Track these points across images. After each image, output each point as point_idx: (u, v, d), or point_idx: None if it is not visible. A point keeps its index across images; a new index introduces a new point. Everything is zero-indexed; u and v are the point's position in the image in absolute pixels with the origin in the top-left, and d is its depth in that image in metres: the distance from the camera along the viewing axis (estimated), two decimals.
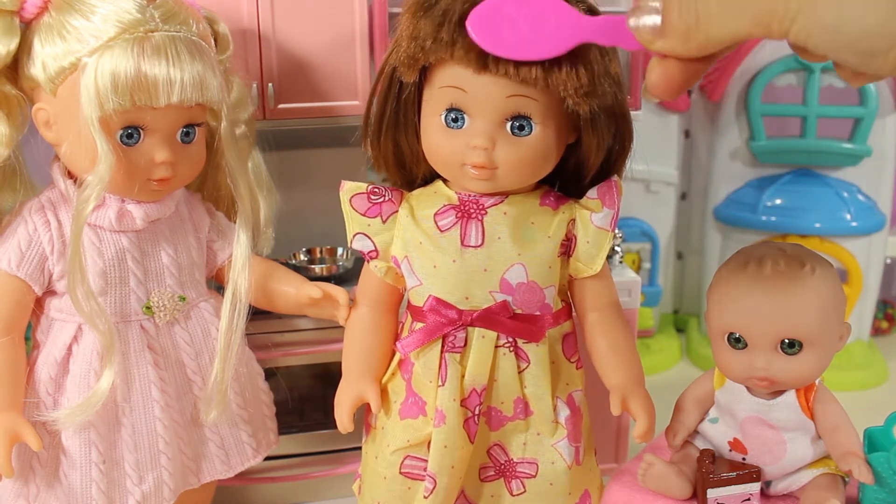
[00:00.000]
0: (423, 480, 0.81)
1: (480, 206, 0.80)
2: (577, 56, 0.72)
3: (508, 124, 0.75)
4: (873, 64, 0.44)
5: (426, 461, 0.80)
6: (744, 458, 0.78)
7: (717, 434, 0.80)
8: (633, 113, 0.83)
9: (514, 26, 0.54)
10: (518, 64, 0.70)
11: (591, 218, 0.80)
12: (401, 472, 0.82)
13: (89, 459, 0.82)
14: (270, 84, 1.00)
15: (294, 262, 1.12)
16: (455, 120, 0.76)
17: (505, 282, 0.78)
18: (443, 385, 0.79)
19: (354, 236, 0.83)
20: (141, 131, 0.79)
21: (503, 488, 0.83)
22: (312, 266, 1.10)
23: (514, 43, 0.54)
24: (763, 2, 0.44)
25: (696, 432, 0.82)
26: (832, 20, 0.43)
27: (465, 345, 0.79)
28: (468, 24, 0.54)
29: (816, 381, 0.76)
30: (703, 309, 1.16)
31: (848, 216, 1.42)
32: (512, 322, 0.79)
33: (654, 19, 0.49)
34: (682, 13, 0.48)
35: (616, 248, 1.13)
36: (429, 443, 0.80)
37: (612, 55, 0.76)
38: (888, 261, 1.53)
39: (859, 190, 1.44)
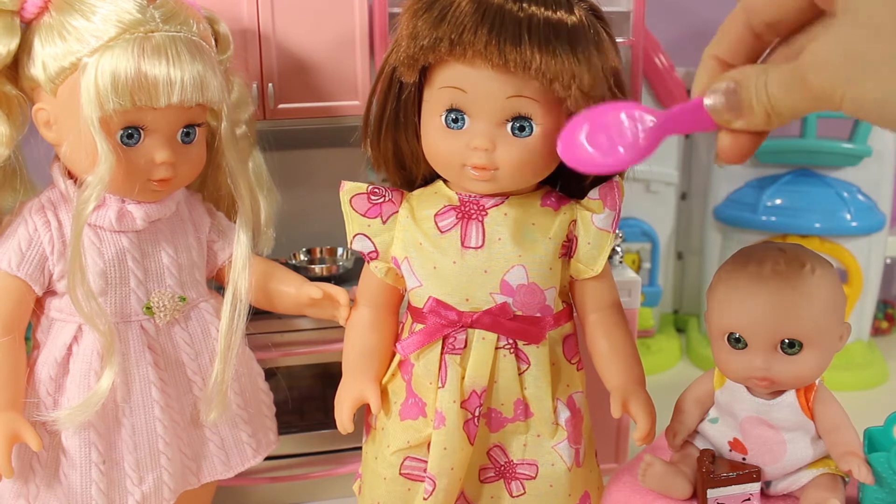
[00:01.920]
0: (422, 481, 0.81)
1: (481, 207, 0.80)
2: (578, 56, 0.72)
3: (509, 125, 0.75)
4: None
5: (426, 462, 0.80)
6: (744, 458, 0.78)
7: (717, 434, 0.80)
8: None
9: (601, 139, 0.56)
10: (514, 53, 0.70)
11: (593, 219, 0.80)
12: (401, 473, 0.82)
13: (89, 459, 0.82)
14: (270, 84, 1.00)
15: (294, 262, 1.12)
16: (455, 120, 0.76)
17: (505, 283, 0.78)
18: (443, 386, 0.79)
19: (354, 237, 0.83)
20: (141, 131, 0.79)
21: (503, 490, 0.83)
22: (312, 266, 1.10)
23: (602, 156, 0.56)
24: (813, 91, 0.50)
25: (696, 432, 0.82)
26: (875, 96, 0.48)
27: (466, 346, 0.79)
28: (559, 146, 0.56)
29: (816, 381, 0.76)
30: (703, 309, 1.16)
31: (848, 216, 1.42)
32: (512, 323, 0.79)
33: (731, 101, 0.54)
34: (759, 98, 0.52)
35: (616, 248, 1.13)
36: (429, 444, 0.80)
37: (612, 56, 0.76)
38: (888, 261, 1.53)
39: (859, 190, 1.44)
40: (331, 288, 0.89)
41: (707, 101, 0.54)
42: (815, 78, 0.50)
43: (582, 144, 0.57)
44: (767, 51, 0.57)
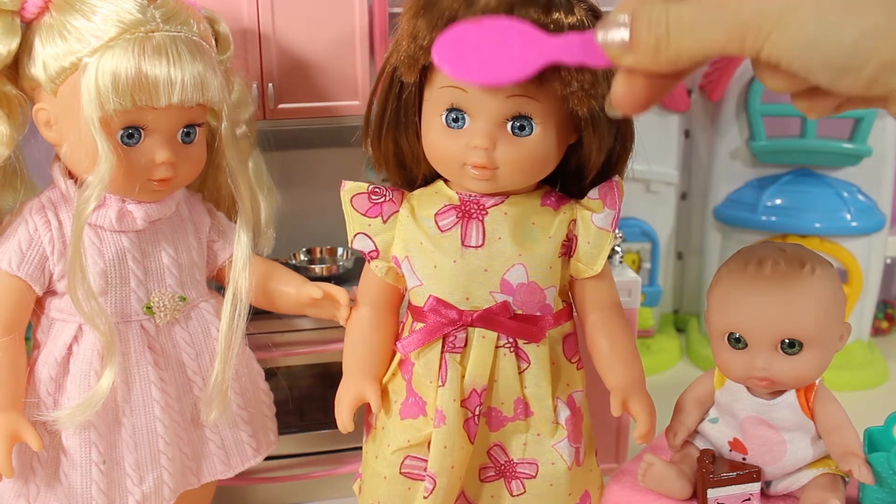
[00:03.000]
0: (423, 480, 0.81)
1: (481, 207, 0.80)
2: None
3: (509, 124, 0.75)
4: (844, 81, 0.43)
5: (426, 461, 0.80)
6: (744, 458, 0.78)
7: (717, 434, 0.80)
8: None
9: (479, 53, 0.53)
10: None
11: (592, 218, 0.80)
12: (401, 472, 0.82)
13: (89, 459, 0.82)
14: (270, 84, 1.00)
15: (294, 262, 1.12)
16: (456, 120, 0.76)
17: (505, 282, 0.78)
18: (443, 385, 0.79)
19: (355, 236, 0.83)
20: (141, 131, 0.79)
21: (503, 489, 0.83)
22: (313, 266, 1.10)
23: (479, 69, 0.54)
24: (738, 15, 0.44)
25: (696, 432, 0.82)
26: (809, 35, 0.42)
27: (466, 345, 0.79)
28: (433, 53, 0.54)
29: (816, 381, 0.76)
30: (703, 309, 1.16)
31: (848, 216, 1.41)
32: (512, 322, 0.79)
33: (622, 34, 0.48)
34: (652, 27, 0.47)
35: (616, 248, 1.13)
36: (429, 443, 0.80)
37: None
38: (888, 261, 1.53)
39: (859, 190, 1.44)
40: (331, 288, 0.89)
41: (598, 34, 0.49)
42: (747, 5, 0.43)
43: (464, 54, 0.53)
44: None
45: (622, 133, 0.80)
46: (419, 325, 0.81)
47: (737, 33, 0.44)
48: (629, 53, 0.48)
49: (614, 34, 0.48)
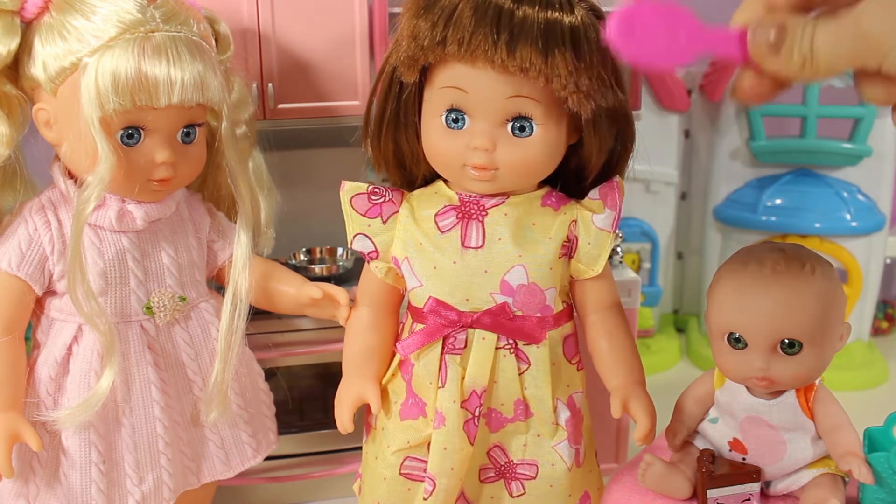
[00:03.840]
0: (423, 481, 0.81)
1: (481, 207, 0.79)
2: (578, 56, 0.72)
3: (509, 125, 0.75)
4: None
5: (426, 462, 0.80)
6: (744, 458, 0.78)
7: (717, 434, 0.80)
8: (633, 113, 0.83)
9: (651, 35, 0.56)
10: (514, 52, 0.70)
11: (593, 219, 0.80)
12: (401, 473, 0.82)
13: (89, 459, 0.82)
14: (270, 84, 1.00)
15: (294, 262, 1.12)
16: (456, 120, 0.76)
17: (505, 283, 0.78)
18: (443, 386, 0.79)
19: (355, 237, 0.83)
20: (141, 131, 0.79)
21: (503, 490, 0.83)
22: (312, 266, 1.10)
23: (648, 51, 0.56)
24: (863, 38, 0.51)
25: (696, 432, 0.82)
26: None
27: (466, 346, 0.79)
28: (609, 28, 0.56)
29: (816, 381, 0.76)
30: (703, 309, 1.16)
31: (848, 216, 1.42)
32: (512, 324, 0.79)
33: (772, 38, 0.54)
34: (801, 45, 0.53)
35: (616, 248, 1.13)
36: (429, 444, 0.80)
37: (613, 56, 0.76)
38: (888, 261, 1.53)
39: (859, 190, 1.44)
40: (331, 288, 0.89)
41: (752, 34, 0.55)
42: (868, 20, 0.50)
43: (635, 34, 0.56)
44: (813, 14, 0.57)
45: (623, 134, 0.80)
46: (419, 326, 0.81)
47: (863, 49, 0.51)
48: (775, 57, 0.54)
49: (765, 39, 0.54)
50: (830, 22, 0.53)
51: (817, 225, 1.42)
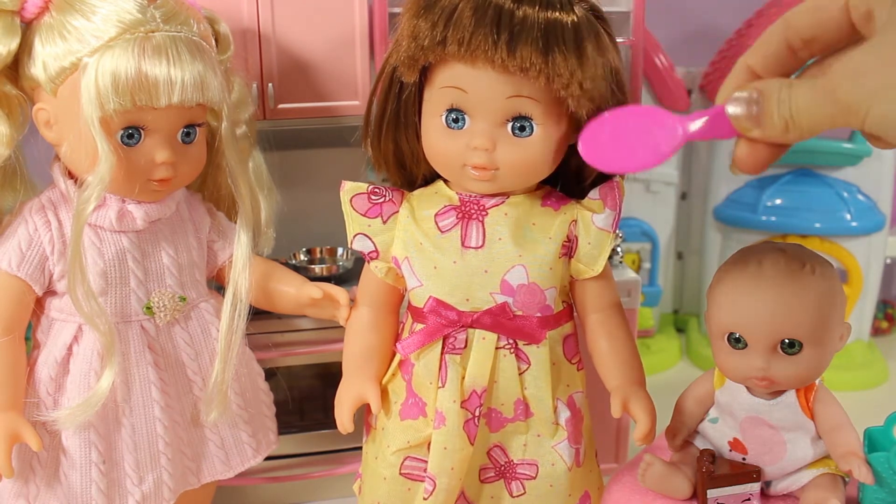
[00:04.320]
0: (423, 481, 0.81)
1: (481, 207, 0.80)
2: (578, 56, 0.72)
3: (509, 125, 0.75)
4: None
5: (426, 462, 0.80)
6: (744, 458, 0.78)
7: (717, 434, 0.80)
8: None
9: (623, 142, 0.58)
10: (514, 52, 0.70)
11: (593, 219, 0.80)
12: (401, 473, 0.82)
13: (89, 459, 0.82)
14: (270, 84, 1.00)
15: (294, 262, 1.12)
16: (456, 120, 0.76)
17: (505, 283, 0.78)
18: (443, 386, 0.79)
19: (355, 237, 0.83)
20: (141, 131, 0.79)
21: (503, 490, 0.83)
22: (312, 266, 1.10)
23: (623, 158, 0.59)
24: (840, 104, 0.52)
25: (696, 432, 0.82)
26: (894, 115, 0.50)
27: (466, 346, 0.79)
28: (580, 145, 0.57)
29: (816, 382, 0.76)
30: (703, 309, 1.16)
31: (848, 216, 1.42)
32: (512, 323, 0.79)
33: (752, 110, 0.55)
34: (780, 110, 0.54)
35: (616, 248, 1.13)
36: (429, 444, 0.80)
37: (612, 55, 0.76)
38: (888, 261, 1.53)
39: (859, 190, 1.44)
40: (331, 288, 0.89)
41: (729, 109, 0.56)
42: (843, 89, 0.51)
43: (604, 145, 0.58)
44: (799, 71, 0.58)
45: None
46: (419, 326, 0.81)
47: (842, 114, 0.52)
48: (758, 128, 0.55)
49: (745, 110, 0.55)
50: (807, 84, 0.53)
51: (817, 225, 1.42)
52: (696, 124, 0.57)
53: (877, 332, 1.61)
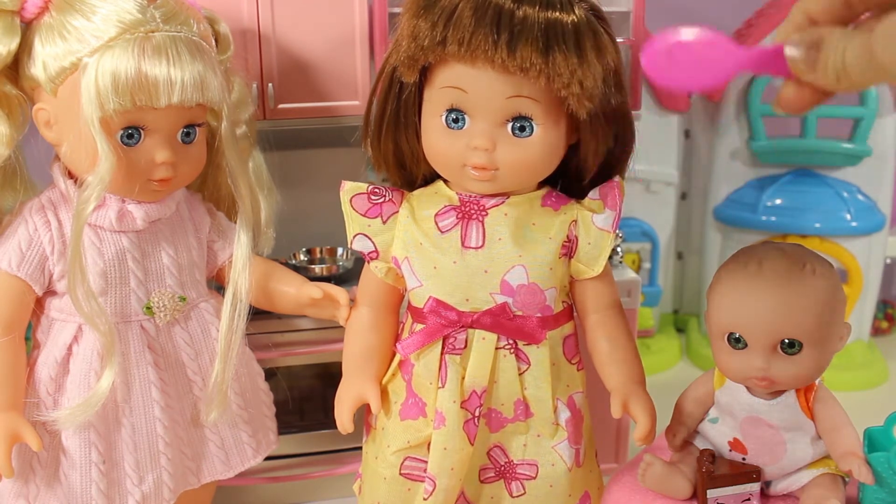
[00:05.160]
0: (423, 482, 0.81)
1: (481, 207, 0.79)
2: (578, 56, 0.72)
3: (509, 125, 0.75)
4: None
5: (426, 462, 0.80)
6: (744, 458, 0.78)
7: (717, 434, 0.80)
8: (633, 113, 0.83)
9: (687, 61, 0.58)
10: (514, 52, 0.70)
11: (593, 219, 0.80)
12: (401, 473, 0.82)
13: (89, 460, 0.82)
14: (270, 84, 1.00)
15: (294, 262, 1.12)
16: (456, 121, 0.76)
17: (505, 283, 0.78)
18: (443, 387, 0.79)
19: (355, 237, 0.83)
20: (141, 131, 0.79)
21: (503, 490, 0.83)
22: (312, 266, 1.10)
23: (682, 75, 0.58)
24: (881, 60, 0.52)
25: (696, 432, 0.82)
26: None
27: (466, 346, 0.79)
28: (645, 58, 0.57)
29: (816, 382, 0.76)
30: (703, 309, 1.16)
31: (848, 216, 1.42)
32: (512, 324, 0.79)
33: (810, 55, 0.56)
34: (834, 59, 0.55)
35: (616, 248, 1.13)
36: (429, 444, 0.80)
37: (612, 55, 0.76)
38: (888, 261, 1.53)
39: (859, 190, 1.44)
40: (331, 288, 0.89)
41: (788, 50, 0.56)
42: (881, 50, 0.51)
43: (669, 62, 0.58)
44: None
45: (622, 134, 0.80)
46: (419, 327, 0.81)
47: (881, 73, 0.52)
48: (812, 73, 0.56)
49: (802, 55, 0.56)
50: (859, 38, 0.54)
51: (817, 225, 1.42)
52: (757, 54, 0.58)
53: (877, 332, 1.61)
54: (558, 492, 0.82)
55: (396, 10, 0.94)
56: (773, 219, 1.43)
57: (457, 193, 0.81)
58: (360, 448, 0.89)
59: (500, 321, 0.78)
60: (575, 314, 0.85)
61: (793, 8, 0.59)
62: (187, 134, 0.82)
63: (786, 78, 0.58)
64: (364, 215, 0.82)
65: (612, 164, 0.81)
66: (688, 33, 0.58)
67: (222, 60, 0.87)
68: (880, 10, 0.56)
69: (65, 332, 0.83)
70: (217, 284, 0.94)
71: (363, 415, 0.87)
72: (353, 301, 0.88)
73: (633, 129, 0.81)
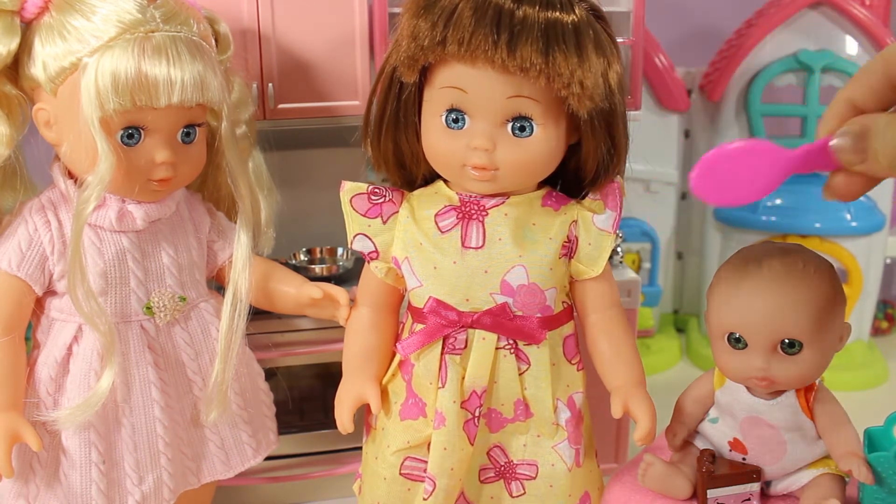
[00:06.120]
0: (422, 482, 0.81)
1: (481, 207, 0.79)
2: (578, 56, 0.72)
3: (509, 125, 0.75)
4: None
5: (426, 462, 0.80)
6: (744, 458, 0.78)
7: (717, 434, 0.80)
8: (632, 113, 0.83)
9: (735, 176, 0.58)
10: (514, 52, 0.70)
11: (594, 219, 0.80)
12: (401, 474, 0.82)
13: (89, 460, 0.82)
14: (270, 84, 1.00)
15: (294, 262, 1.12)
16: (456, 121, 0.76)
17: (506, 283, 0.78)
18: (443, 387, 0.79)
19: (355, 237, 0.83)
20: (141, 131, 0.79)
21: (503, 490, 0.83)
22: (312, 266, 1.10)
23: (735, 191, 0.59)
24: None
25: (696, 432, 0.82)
26: None
27: (466, 346, 0.79)
28: (692, 179, 0.58)
29: (816, 381, 0.76)
30: (703, 309, 1.16)
31: (848, 216, 1.42)
32: (512, 324, 0.79)
33: (858, 145, 0.56)
34: (885, 147, 0.55)
35: (616, 248, 1.13)
36: (429, 444, 0.80)
37: (613, 55, 0.76)
38: (888, 261, 1.53)
39: None
40: (331, 288, 0.89)
41: (834, 142, 0.57)
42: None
43: (717, 181, 0.58)
44: None
45: (621, 134, 0.80)
46: (419, 327, 0.81)
47: None
48: (863, 163, 0.56)
49: (849, 145, 0.56)
50: None
51: (817, 225, 1.42)
52: (803, 154, 0.58)
53: (877, 332, 1.61)
54: (558, 492, 0.82)
55: (396, 10, 0.94)
56: (773, 219, 1.43)
57: (457, 193, 0.81)
58: (360, 448, 0.89)
59: (501, 321, 0.78)
60: (575, 314, 0.85)
61: (836, 96, 0.59)
62: (187, 134, 0.82)
63: (833, 170, 0.58)
64: (364, 215, 0.82)
65: (611, 164, 0.81)
66: (730, 149, 0.58)
67: (222, 60, 0.87)
68: None
69: (65, 332, 0.83)
70: (217, 284, 0.94)
71: (363, 415, 0.87)
72: (353, 301, 0.88)
73: (628, 131, 0.81)
